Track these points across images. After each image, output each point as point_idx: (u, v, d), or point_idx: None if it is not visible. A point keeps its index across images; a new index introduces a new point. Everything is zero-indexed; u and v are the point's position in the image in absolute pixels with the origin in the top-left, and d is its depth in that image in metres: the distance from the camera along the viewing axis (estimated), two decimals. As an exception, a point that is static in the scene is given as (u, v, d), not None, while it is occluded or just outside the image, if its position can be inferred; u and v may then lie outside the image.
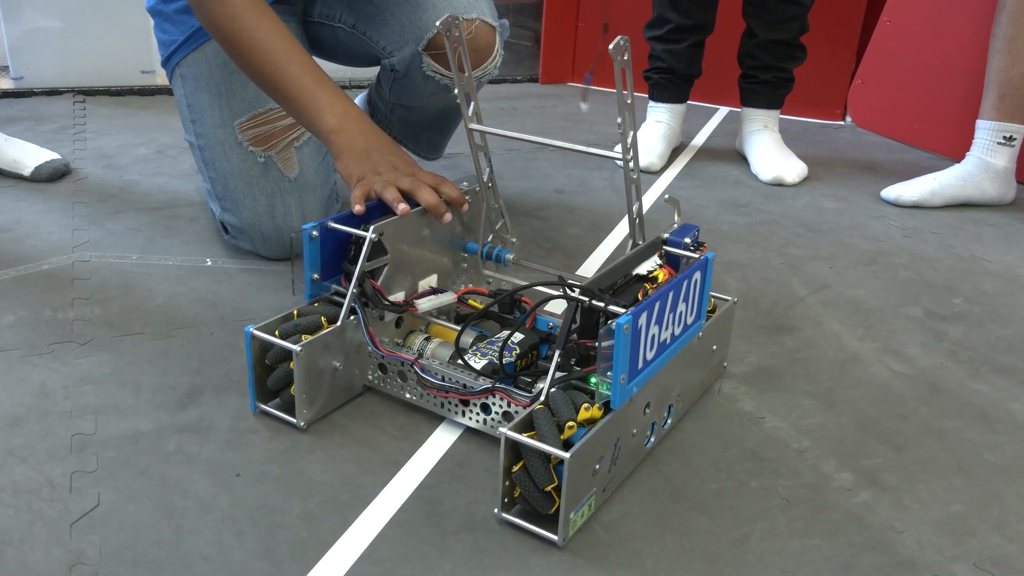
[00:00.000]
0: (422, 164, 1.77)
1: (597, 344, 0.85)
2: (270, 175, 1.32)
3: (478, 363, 0.97)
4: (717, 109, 2.48)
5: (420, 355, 1.01)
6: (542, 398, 0.85)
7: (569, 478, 0.78)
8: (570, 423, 0.80)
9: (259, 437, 0.95)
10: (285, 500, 0.86)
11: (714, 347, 1.06)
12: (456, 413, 0.97)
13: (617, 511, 0.87)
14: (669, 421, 0.98)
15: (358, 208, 1.01)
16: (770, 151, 1.90)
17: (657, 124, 1.99)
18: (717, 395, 1.07)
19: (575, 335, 0.88)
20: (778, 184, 1.85)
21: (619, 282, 0.91)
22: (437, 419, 1.00)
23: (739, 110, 2.01)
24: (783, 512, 0.88)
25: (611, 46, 0.85)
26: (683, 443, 0.98)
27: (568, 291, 0.86)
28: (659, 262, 0.95)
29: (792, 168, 1.86)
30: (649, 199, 1.75)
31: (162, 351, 1.11)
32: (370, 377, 1.03)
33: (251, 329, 0.95)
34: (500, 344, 0.98)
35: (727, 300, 1.08)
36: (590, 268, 1.42)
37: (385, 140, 1.15)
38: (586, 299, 0.85)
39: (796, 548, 0.83)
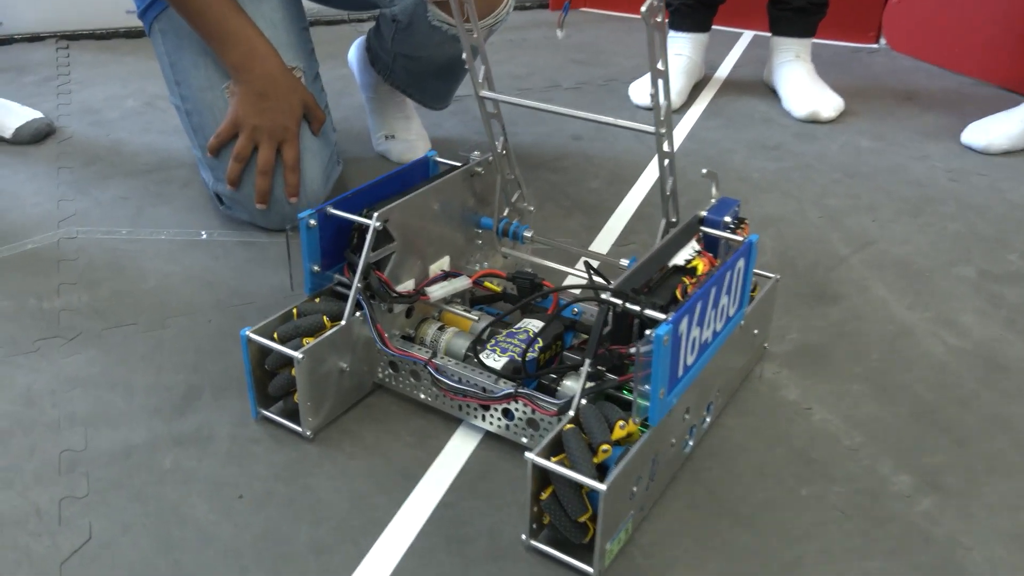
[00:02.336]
0: (429, 114, 1.66)
1: (634, 352, 0.76)
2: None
3: (497, 361, 0.88)
4: (741, 34, 2.31)
5: (434, 351, 0.92)
6: (571, 412, 0.76)
7: (605, 510, 0.70)
8: (604, 446, 0.72)
9: (262, 448, 0.87)
10: (292, 526, 0.78)
11: (755, 331, 0.97)
12: (475, 417, 0.89)
13: (655, 529, 0.79)
14: (708, 420, 0.89)
15: (212, 146, 1.20)
16: (803, 84, 1.77)
17: (678, 57, 1.85)
18: (758, 381, 0.99)
19: (607, 341, 0.79)
20: (813, 121, 1.72)
21: (654, 276, 0.81)
22: (454, 421, 0.92)
23: (766, 35, 1.87)
24: (838, 527, 0.80)
25: (643, 8, 0.73)
26: (724, 443, 0.90)
27: (598, 293, 0.77)
28: (697, 248, 0.85)
29: (828, 102, 1.73)
30: (676, 137, 1.63)
31: (155, 344, 1.03)
32: (380, 375, 0.94)
33: (248, 333, 0.86)
34: (521, 339, 0.89)
35: (769, 278, 0.98)
36: (613, 230, 1.32)
37: (283, 90, 1.18)
38: (618, 302, 0.75)
39: (855, 572, 0.75)
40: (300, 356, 0.83)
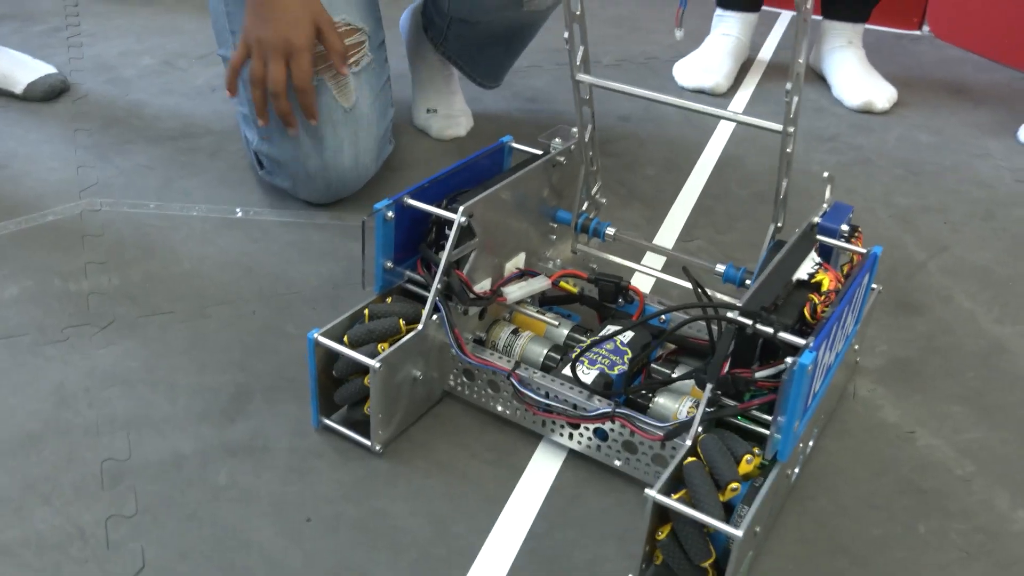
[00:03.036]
0: (491, 94, 1.56)
1: (759, 377, 0.68)
2: (322, 102, 1.11)
3: (587, 374, 0.81)
4: (779, 14, 2.22)
5: (511, 358, 0.84)
6: (688, 442, 0.68)
7: (738, 557, 0.63)
8: (734, 484, 0.65)
9: (326, 463, 0.79)
10: (369, 556, 0.71)
11: (856, 347, 0.90)
12: (561, 435, 0.81)
13: (768, 567, 0.72)
14: (812, 443, 0.82)
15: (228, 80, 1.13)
16: (856, 72, 1.69)
17: (725, 37, 1.76)
18: (853, 400, 0.92)
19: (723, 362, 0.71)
20: (866, 111, 1.64)
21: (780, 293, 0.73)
22: (534, 436, 0.84)
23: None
24: (964, 569, 0.73)
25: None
26: (827, 469, 0.83)
27: (723, 312, 0.69)
28: (817, 260, 0.77)
29: (882, 93, 1.65)
30: (723, 129, 1.55)
31: (196, 337, 0.94)
32: (452, 382, 0.86)
33: (316, 336, 0.77)
34: (609, 349, 0.81)
35: (871, 289, 0.91)
36: (675, 222, 1.23)
37: (289, 1, 1.05)
38: (749, 322, 0.67)
39: (990, 624, 0.69)
40: (377, 365, 0.75)
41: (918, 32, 2.16)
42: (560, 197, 0.97)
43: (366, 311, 0.81)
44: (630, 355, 0.83)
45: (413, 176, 1.30)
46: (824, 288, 0.74)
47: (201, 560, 0.69)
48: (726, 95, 1.70)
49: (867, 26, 1.76)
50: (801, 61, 0.71)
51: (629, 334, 0.85)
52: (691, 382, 0.81)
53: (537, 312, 0.90)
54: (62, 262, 1.04)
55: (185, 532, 0.71)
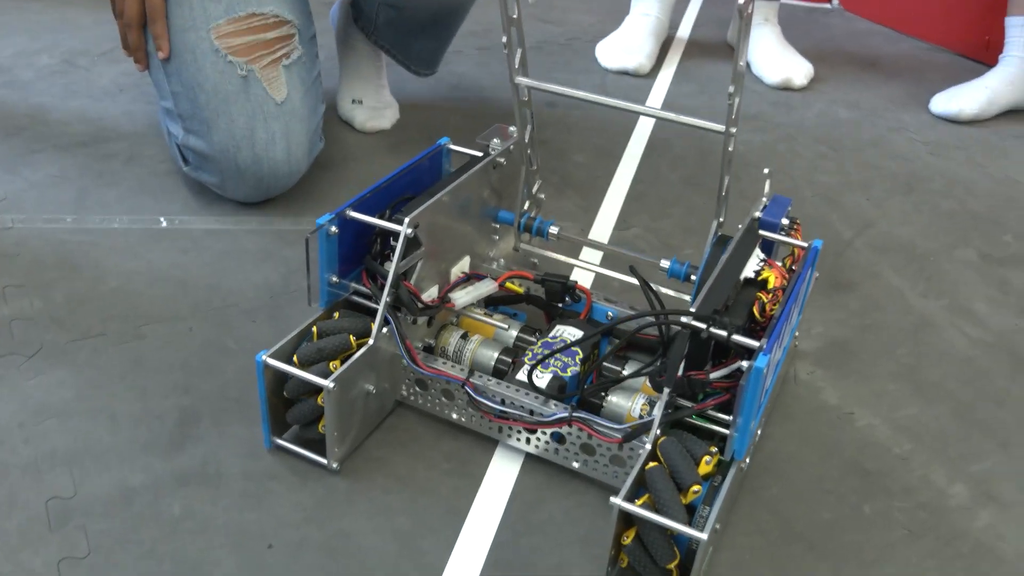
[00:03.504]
0: (414, 81, 1.53)
1: (714, 379, 0.70)
2: (252, 94, 1.08)
3: (541, 377, 0.81)
4: (693, -11, 2.25)
5: (463, 365, 0.84)
6: (648, 446, 0.69)
7: (701, 558, 0.64)
8: (695, 487, 0.66)
9: (283, 485, 0.78)
10: (336, 581, 0.70)
11: (796, 333, 0.92)
12: (518, 439, 0.81)
13: (727, 560, 0.74)
14: (760, 431, 0.85)
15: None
16: (774, 49, 1.72)
17: (645, 17, 1.77)
18: (795, 383, 0.95)
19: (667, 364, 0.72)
20: (786, 88, 1.68)
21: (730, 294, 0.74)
22: (489, 441, 0.84)
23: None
24: (909, 547, 0.77)
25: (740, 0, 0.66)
26: (776, 455, 0.85)
27: (678, 317, 0.70)
28: (762, 257, 0.79)
29: (800, 69, 1.69)
30: (652, 105, 1.56)
31: (132, 360, 0.90)
32: (405, 392, 0.85)
33: (264, 358, 0.75)
34: (564, 352, 0.81)
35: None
36: (610, 210, 1.24)
37: None
38: (704, 326, 0.68)
39: (937, 598, 0.73)
40: (332, 385, 0.73)
41: (828, 5, 2.22)
42: (500, 197, 0.96)
43: (314, 329, 0.79)
44: (581, 355, 0.84)
45: (343, 175, 1.27)
46: (770, 285, 0.75)
47: (162, 599, 0.67)
48: (649, 75, 1.71)
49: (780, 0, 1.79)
50: (742, 64, 0.72)
51: (578, 333, 0.86)
52: (642, 378, 0.82)
53: (484, 315, 0.90)
54: (-21, 286, 0.99)
55: (142, 571, 0.69)
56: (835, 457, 0.86)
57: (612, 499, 0.65)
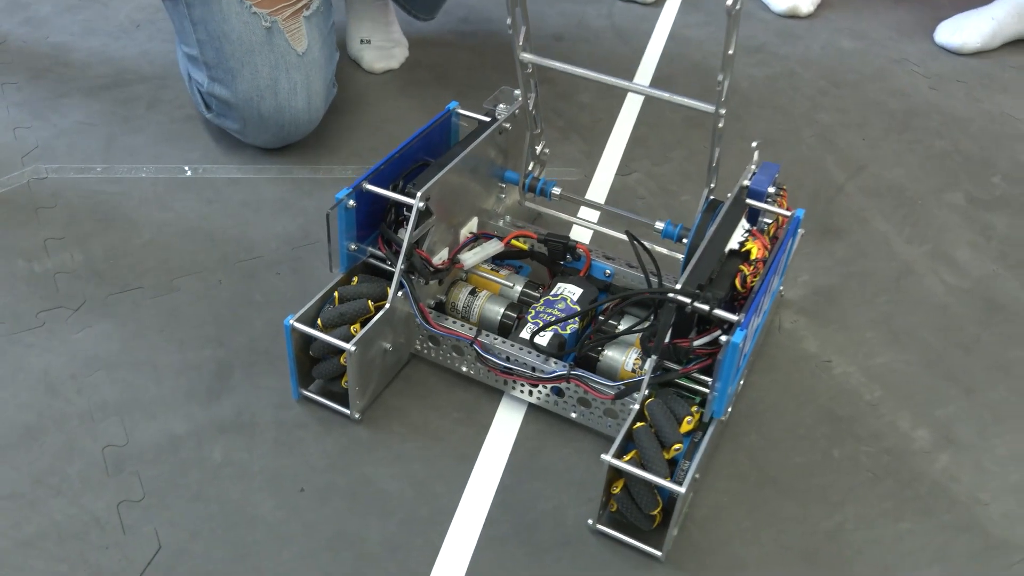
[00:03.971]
0: (416, 25, 1.55)
1: (697, 345, 0.77)
2: (275, 45, 1.13)
3: (543, 335, 0.89)
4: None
5: (471, 320, 0.92)
6: (635, 406, 0.78)
7: (679, 507, 0.73)
8: (677, 445, 0.75)
9: (310, 433, 0.87)
10: (362, 521, 0.80)
11: (781, 287, 0.99)
12: (521, 391, 0.90)
13: (708, 503, 0.83)
14: (742, 381, 0.93)
15: None
16: (781, -24, 1.72)
17: (654, -60, 1.76)
18: (778, 332, 1.02)
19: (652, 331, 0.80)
20: (792, 16, 1.68)
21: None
22: (496, 392, 0.92)
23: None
24: (871, 489, 0.86)
25: (729, 1, 0.70)
26: (757, 404, 0.93)
27: (665, 293, 0.77)
28: (747, 228, 0.85)
29: (806, -3, 1.69)
30: (658, 38, 1.58)
31: (169, 312, 0.98)
32: (418, 346, 0.93)
33: (291, 322, 0.83)
34: (561, 309, 0.89)
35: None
36: (613, 155, 1.29)
37: None
38: (688, 301, 0.75)
39: (891, 536, 0.82)
40: (353, 348, 0.81)
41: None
42: (507, 157, 1.02)
43: (336, 294, 0.87)
44: (579, 311, 0.91)
45: (356, 119, 1.32)
46: (753, 256, 0.82)
47: (212, 538, 0.77)
48: (656, 3, 1.72)
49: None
50: (731, 52, 0.76)
51: (578, 291, 0.93)
52: (635, 334, 0.90)
53: (491, 272, 0.97)
54: (21, 240, 1.06)
55: (192, 512, 0.79)
56: (810, 404, 0.94)
57: (603, 456, 0.74)
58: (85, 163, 1.19)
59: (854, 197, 1.24)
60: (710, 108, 0.81)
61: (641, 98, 1.43)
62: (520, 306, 0.94)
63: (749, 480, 0.86)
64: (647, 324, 0.86)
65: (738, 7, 0.71)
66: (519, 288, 0.95)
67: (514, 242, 0.99)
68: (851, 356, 1.00)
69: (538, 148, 1.01)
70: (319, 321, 0.85)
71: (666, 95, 0.84)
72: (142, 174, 1.18)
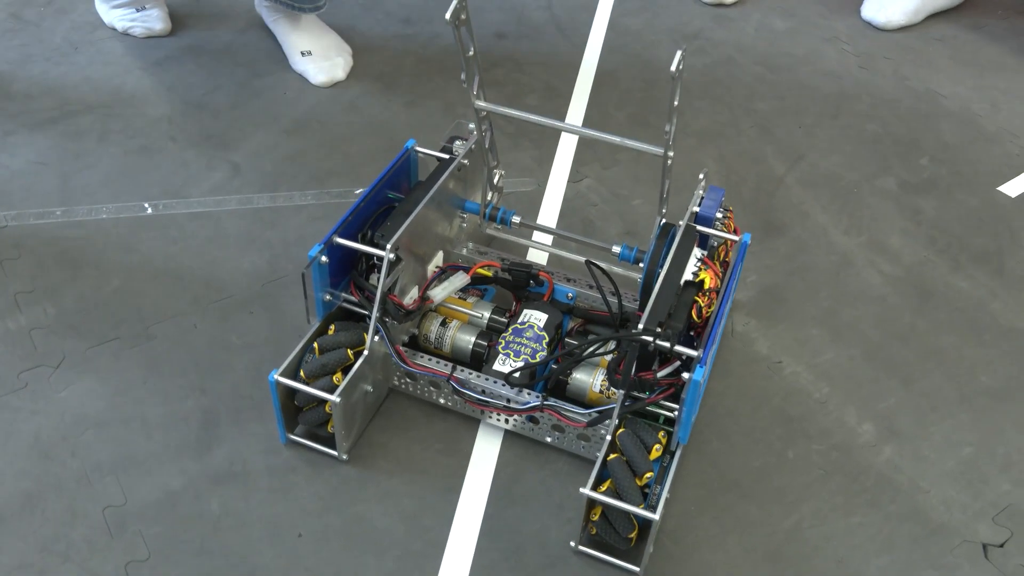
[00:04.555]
0: (365, 20, 1.55)
1: (661, 376, 0.84)
2: None
3: (513, 366, 0.94)
4: None
5: (443, 352, 0.97)
6: (608, 436, 0.84)
7: (654, 531, 0.80)
8: (649, 473, 0.81)
9: (301, 476, 0.92)
10: (359, 561, 0.85)
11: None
12: (498, 420, 0.95)
13: (677, 512, 0.91)
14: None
15: None
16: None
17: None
18: (731, 336, 1.09)
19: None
20: (718, 5, 1.72)
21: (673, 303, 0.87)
22: (473, 421, 0.98)
23: None
24: (823, 486, 0.94)
25: (672, 67, 0.74)
26: (715, 410, 1.00)
27: (630, 333, 0.82)
28: (699, 256, 0.91)
29: (736, -21, 1.73)
30: (598, 29, 1.61)
31: (149, 363, 1.01)
32: (396, 382, 0.98)
33: (276, 377, 0.87)
34: (529, 337, 0.94)
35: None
36: (563, 161, 1.33)
37: None
38: (651, 339, 0.81)
39: (843, 529, 0.90)
40: (338, 400, 0.86)
41: None
42: (465, 187, 1.05)
43: (315, 344, 0.90)
44: (547, 339, 0.97)
45: (310, 141, 1.33)
46: (707, 286, 0.88)
47: (219, 591, 0.82)
48: (593, -10, 1.74)
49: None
50: (676, 103, 0.81)
51: (543, 317, 0.98)
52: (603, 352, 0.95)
53: (459, 304, 1.01)
54: (-10, 295, 1.08)
55: (198, 567, 0.84)
56: (765, 407, 1.01)
57: (581, 489, 0.80)
58: (43, 207, 1.20)
59: (794, 189, 1.31)
60: (659, 151, 0.86)
61: (587, 95, 1.47)
62: (490, 333, 0.99)
63: (713, 486, 0.93)
64: (612, 346, 0.92)
65: (680, 68, 0.76)
66: (487, 315, 1.00)
67: (479, 271, 1.03)
68: (799, 355, 1.07)
69: (496, 179, 1.05)
70: (302, 372, 0.89)
71: (617, 139, 0.89)
72: (103, 215, 1.19)
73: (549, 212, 1.24)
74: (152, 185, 1.24)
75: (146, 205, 1.21)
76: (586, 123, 1.41)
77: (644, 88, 1.49)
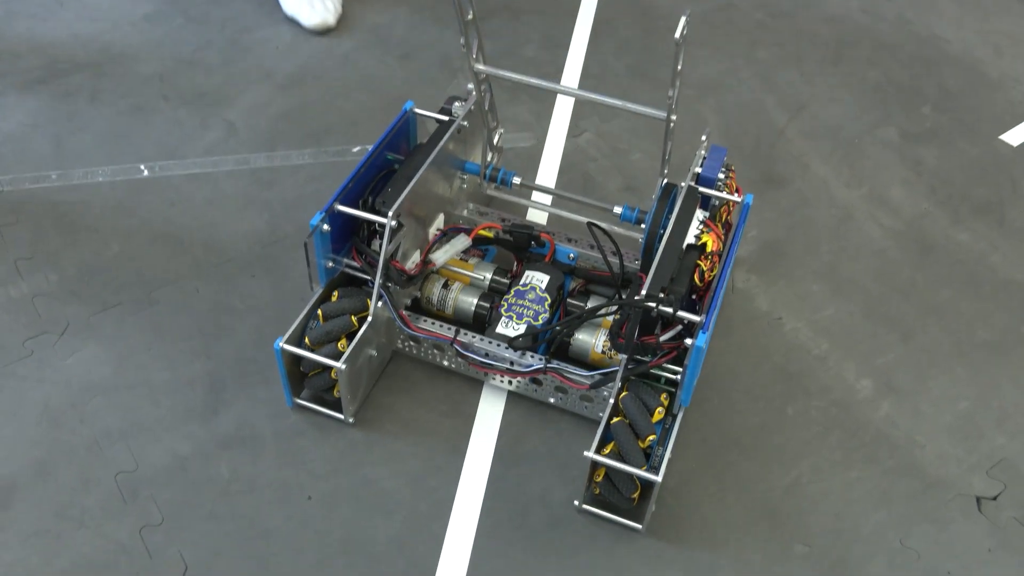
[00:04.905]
0: None
1: (664, 340, 0.84)
2: None
3: (516, 329, 0.94)
4: None
5: (446, 314, 0.97)
6: (611, 400, 0.85)
7: (656, 491, 0.82)
8: (651, 436, 0.82)
9: (309, 440, 0.93)
10: (368, 522, 0.87)
11: (733, 254, 1.06)
12: (501, 381, 0.96)
13: (679, 470, 0.92)
14: (702, 349, 1.00)
15: None
16: None
17: None
18: (732, 293, 1.09)
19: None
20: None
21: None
22: (476, 381, 0.99)
23: None
24: (822, 442, 0.96)
25: (677, 34, 0.73)
26: (717, 369, 1.01)
27: (633, 299, 0.82)
28: (702, 219, 0.90)
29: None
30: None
31: (153, 328, 1.02)
32: (400, 345, 0.99)
33: (281, 345, 0.88)
34: (531, 299, 0.95)
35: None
36: (562, 116, 1.32)
37: None
38: (653, 305, 0.82)
39: (840, 485, 0.92)
40: (343, 367, 0.86)
41: None
42: (465, 147, 1.04)
43: (319, 311, 0.91)
44: (549, 300, 0.97)
45: (303, 98, 1.31)
46: (709, 249, 0.88)
47: (233, 555, 0.84)
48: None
49: None
50: (679, 68, 0.80)
51: (545, 278, 0.99)
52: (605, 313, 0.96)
53: (461, 266, 1.01)
54: (-9, 262, 1.07)
55: (210, 531, 0.86)
56: (765, 364, 1.02)
57: (585, 452, 0.81)
58: (39, 170, 1.19)
59: (795, 141, 1.30)
60: (662, 115, 0.85)
61: (585, 43, 1.44)
62: (492, 295, 0.99)
63: (713, 444, 0.95)
64: (614, 307, 0.92)
65: (685, 33, 0.75)
66: (489, 276, 1.00)
67: (481, 232, 1.03)
68: (799, 311, 1.08)
69: (496, 139, 1.04)
70: (307, 339, 0.90)
71: (619, 103, 0.88)
72: (99, 178, 1.18)
73: (548, 168, 1.24)
74: (147, 146, 1.23)
75: (142, 167, 1.20)
76: (585, 74, 1.39)
77: (643, 36, 1.47)
